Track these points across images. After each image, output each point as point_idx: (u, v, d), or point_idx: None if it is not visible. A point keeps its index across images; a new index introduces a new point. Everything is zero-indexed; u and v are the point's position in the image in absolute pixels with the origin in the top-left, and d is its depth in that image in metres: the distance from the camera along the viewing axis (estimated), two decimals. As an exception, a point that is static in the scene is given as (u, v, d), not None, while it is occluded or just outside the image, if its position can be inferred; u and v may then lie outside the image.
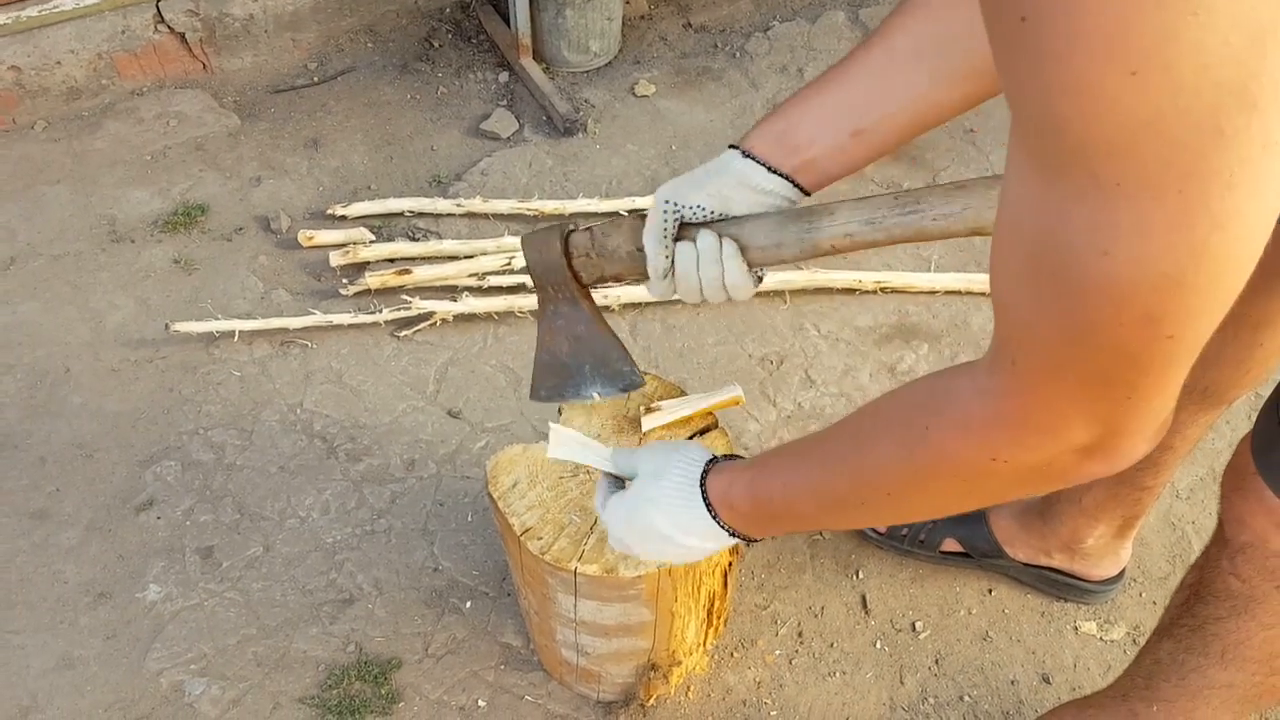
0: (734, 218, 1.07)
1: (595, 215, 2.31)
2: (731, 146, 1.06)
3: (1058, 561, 1.71)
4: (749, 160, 1.04)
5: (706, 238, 1.06)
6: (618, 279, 1.15)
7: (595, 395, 1.20)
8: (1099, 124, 0.52)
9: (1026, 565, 1.73)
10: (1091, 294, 0.59)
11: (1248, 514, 1.10)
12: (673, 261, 1.07)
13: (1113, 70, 0.50)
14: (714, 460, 1.05)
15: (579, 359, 1.19)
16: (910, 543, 1.77)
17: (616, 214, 2.30)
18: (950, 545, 1.75)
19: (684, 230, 1.07)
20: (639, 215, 1.11)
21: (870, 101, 1.02)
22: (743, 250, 1.06)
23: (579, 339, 1.18)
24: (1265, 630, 1.14)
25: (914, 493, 0.84)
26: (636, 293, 2.14)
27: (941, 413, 0.77)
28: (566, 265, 1.13)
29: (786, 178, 1.05)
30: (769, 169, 1.04)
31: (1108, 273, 0.58)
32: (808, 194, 1.07)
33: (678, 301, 2.16)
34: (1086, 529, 1.65)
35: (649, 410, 1.38)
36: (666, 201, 1.06)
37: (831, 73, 1.04)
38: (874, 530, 1.79)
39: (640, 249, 1.09)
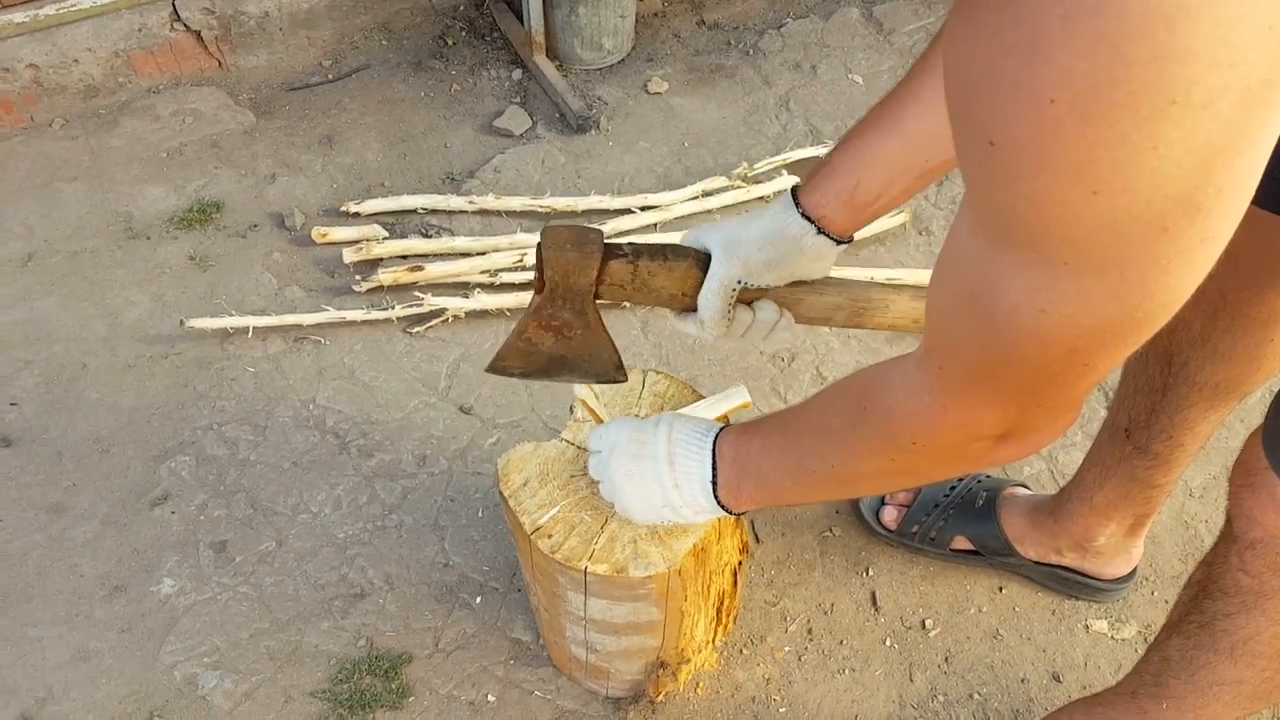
0: (792, 284, 1.11)
1: (608, 212, 2.31)
2: (798, 204, 1.07)
3: (1069, 560, 1.71)
4: (821, 237, 1.07)
5: (768, 311, 1.11)
6: (641, 302, 1.15)
7: (568, 380, 1.20)
8: (1057, 226, 0.58)
9: (1037, 563, 1.72)
10: (1023, 337, 0.66)
11: (1258, 509, 1.10)
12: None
13: (1076, 190, 0.55)
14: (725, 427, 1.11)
15: (563, 353, 1.16)
16: (920, 540, 1.77)
17: (628, 210, 2.30)
18: (960, 543, 1.75)
19: (741, 293, 1.09)
20: (686, 258, 1.10)
21: (935, 141, 1.03)
22: (794, 315, 1.11)
23: (570, 340, 1.15)
24: (1276, 626, 1.14)
25: (851, 464, 0.92)
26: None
27: (876, 399, 0.86)
28: (594, 291, 1.10)
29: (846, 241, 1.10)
30: (836, 241, 1.08)
31: (1041, 325, 0.64)
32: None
33: (689, 299, 2.16)
34: (1098, 527, 1.65)
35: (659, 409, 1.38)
36: (739, 282, 1.08)
37: (890, 109, 1.04)
38: (884, 528, 1.79)
39: (685, 294, 1.10)
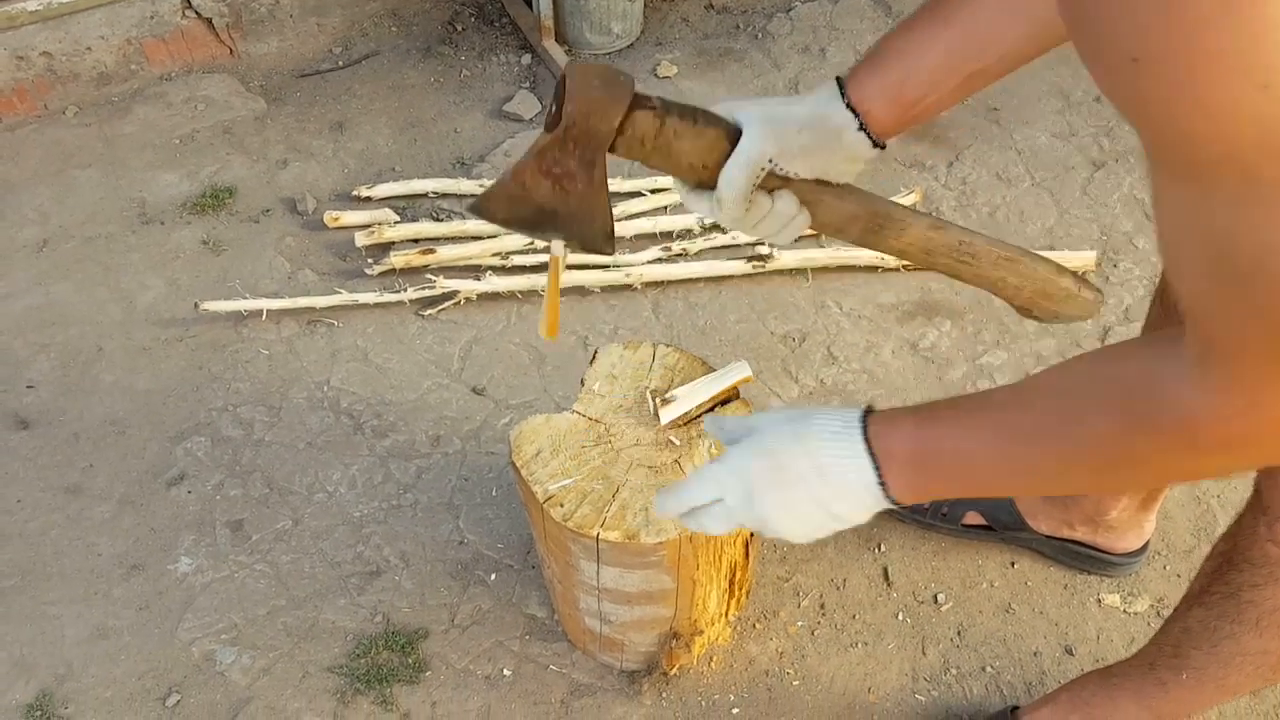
0: (817, 182, 1.02)
1: (618, 195, 2.32)
2: (843, 94, 0.98)
3: (1081, 534, 1.71)
4: (861, 134, 0.99)
5: (787, 202, 1.01)
6: (657, 166, 1.04)
7: (555, 243, 1.09)
8: (1240, 135, 0.53)
9: (1049, 538, 1.73)
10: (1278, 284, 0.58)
11: None
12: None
13: (1245, 88, 0.50)
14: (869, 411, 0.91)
15: (556, 206, 1.04)
16: (932, 516, 1.77)
17: (638, 193, 2.31)
18: (973, 518, 1.75)
19: (765, 179, 1.00)
20: (716, 125, 0.99)
21: (989, 36, 0.96)
22: (812, 216, 1.03)
23: (568, 192, 1.03)
24: None
25: (1125, 470, 0.82)
26: (659, 271, 2.15)
27: (1162, 405, 0.74)
28: (612, 137, 0.98)
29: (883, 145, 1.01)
30: (874, 142, 0.99)
31: None
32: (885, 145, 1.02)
33: (700, 279, 2.17)
34: (1110, 501, 1.65)
35: (665, 402, 1.37)
36: (770, 161, 0.99)
37: (943, 6, 0.97)
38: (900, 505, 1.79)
39: (706, 167, 1.00)
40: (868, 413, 0.90)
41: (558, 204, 1.03)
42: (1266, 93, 0.50)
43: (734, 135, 1.00)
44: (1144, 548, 1.72)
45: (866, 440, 0.88)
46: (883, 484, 0.88)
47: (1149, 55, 0.51)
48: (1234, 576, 1.18)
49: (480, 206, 1.05)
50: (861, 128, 0.99)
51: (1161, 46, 0.51)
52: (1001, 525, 1.74)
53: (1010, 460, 0.85)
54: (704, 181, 1.03)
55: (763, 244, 2.20)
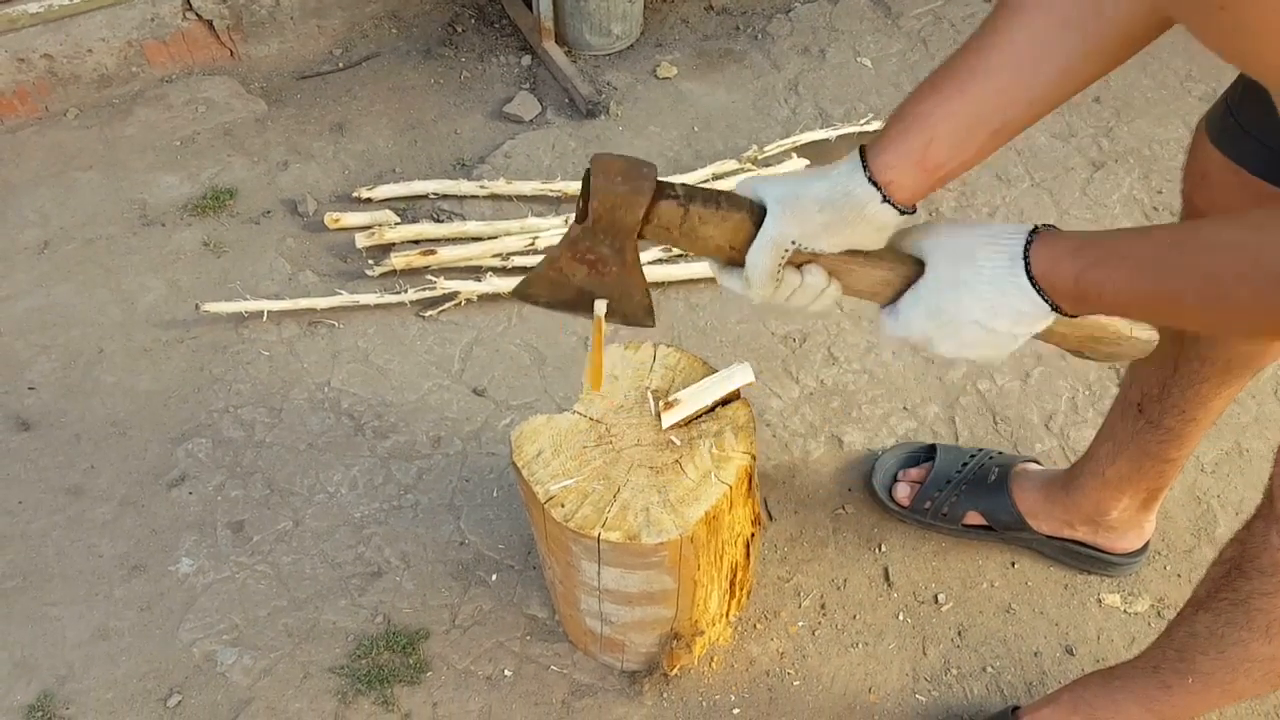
0: (845, 253, 1.04)
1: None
2: (865, 168, 0.98)
3: (1081, 534, 1.71)
4: (886, 205, 0.99)
5: (816, 276, 1.04)
6: (685, 249, 1.07)
7: (598, 303, 1.12)
8: None
9: (1050, 538, 1.73)
10: None
11: None
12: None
13: None
14: (1034, 232, 0.97)
15: (594, 289, 1.11)
16: (933, 516, 1.77)
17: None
18: (973, 518, 1.76)
19: (792, 256, 1.02)
20: (740, 209, 1.02)
21: (1014, 92, 0.96)
22: (843, 287, 1.04)
23: (604, 275, 1.09)
24: None
25: (1265, 321, 0.86)
26: (660, 272, 2.15)
27: None
28: (639, 228, 1.03)
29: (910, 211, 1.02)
30: (900, 211, 1.00)
31: None
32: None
33: (701, 279, 2.17)
34: (1110, 501, 1.65)
35: (668, 405, 1.37)
36: (793, 242, 1.01)
37: (967, 59, 0.97)
38: (896, 504, 1.80)
39: (734, 248, 1.04)
40: (1028, 246, 0.95)
41: (595, 286, 1.09)
42: None
43: (759, 215, 1.02)
44: (1144, 548, 1.73)
45: (1031, 277, 0.94)
46: (1050, 303, 0.95)
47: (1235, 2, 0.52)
48: (1243, 584, 1.18)
49: (523, 292, 1.11)
50: (885, 199, 0.99)
51: None
52: (1002, 525, 1.74)
53: (1163, 305, 0.91)
54: (733, 260, 1.05)
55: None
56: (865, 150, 1.00)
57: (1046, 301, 0.95)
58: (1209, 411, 1.46)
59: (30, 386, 2.04)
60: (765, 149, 2.39)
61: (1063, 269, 0.94)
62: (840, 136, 2.43)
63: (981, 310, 0.97)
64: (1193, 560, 1.77)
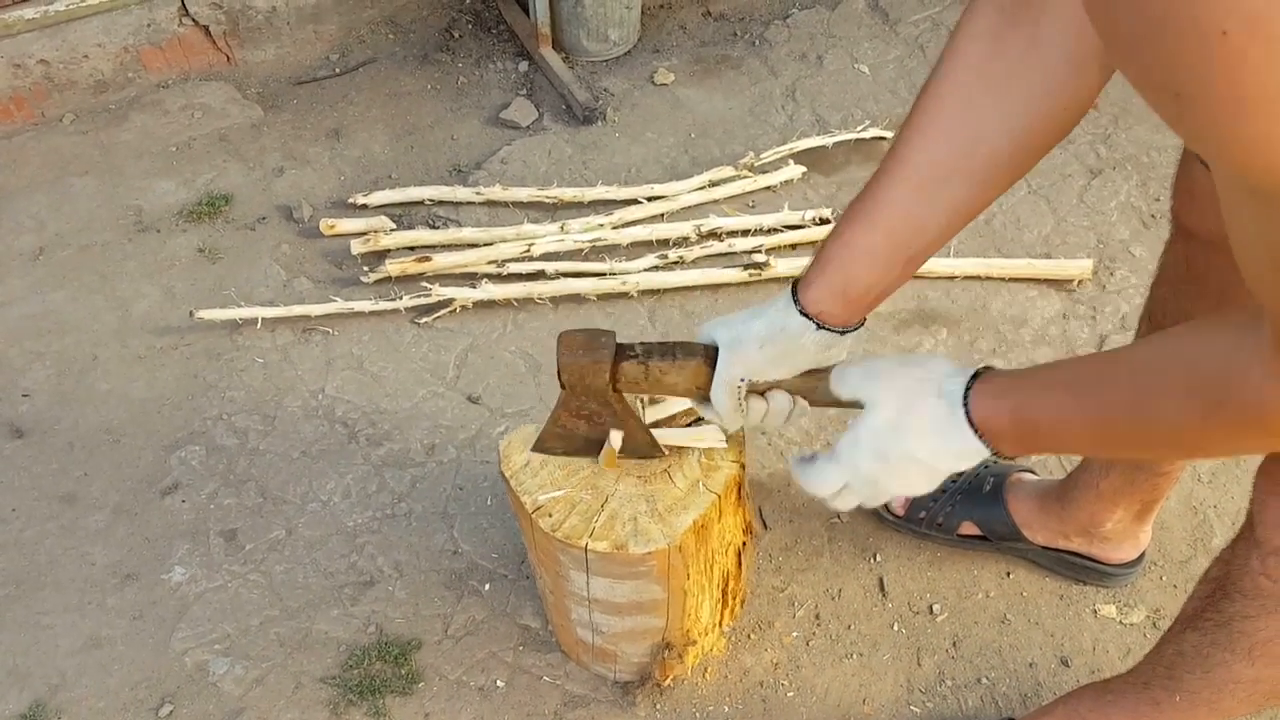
0: (803, 375, 1.13)
1: (614, 203, 2.32)
2: (797, 303, 1.08)
3: (1076, 544, 1.70)
4: (821, 332, 1.08)
5: (780, 400, 1.14)
6: (659, 394, 1.23)
7: (613, 433, 1.26)
8: None
9: (1045, 548, 1.72)
10: None
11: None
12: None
13: None
14: (974, 377, 1.03)
15: (598, 435, 1.26)
16: (928, 526, 1.76)
17: (635, 201, 2.30)
18: (968, 529, 1.75)
19: (753, 386, 1.13)
20: (694, 355, 1.14)
21: (913, 228, 1.03)
22: (810, 402, 1.14)
23: (601, 424, 1.25)
24: None
25: (1202, 447, 0.90)
26: (655, 279, 2.15)
27: (1238, 390, 0.80)
28: (610, 390, 1.17)
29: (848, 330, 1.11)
30: (839, 333, 1.09)
31: None
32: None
33: (696, 287, 2.17)
34: (1105, 513, 1.64)
35: (653, 402, 1.37)
36: (743, 381, 1.11)
37: (865, 204, 1.04)
38: (891, 514, 1.79)
39: (699, 388, 1.15)
40: (969, 389, 1.01)
41: (598, 433, 1.26)
42: None
43: (713, 356, 1.14)
44: (1140, 558, 1.72)
45: (970, 422, 1.00)
46: (990, 448, 1.01)
47: (1191, 93, 0.52)
48: (1226, 605, 1.17)
49: (541, 448, 1.31)
50: (821, 327, 1.08)
51: (1204, 85, 0.51)
52: (997, 536, 1.73)
53: (1093, 432, 0.95)
54: (704, 398, 1.17)
55: (759, 252, 2.20)
56: (797, 285, 1.09)
57: (987, 446, 1.01)
58: None
59: (24, 393, 2.04)
60: (762, 156, 2.38)
61: (1000, 411, 0.99)
62: (837, 143, 2.42)
63: (926, 453, 1.03)
64: (1189, 571, 1.76)
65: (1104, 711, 1.39)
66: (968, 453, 1.02)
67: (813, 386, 1.13)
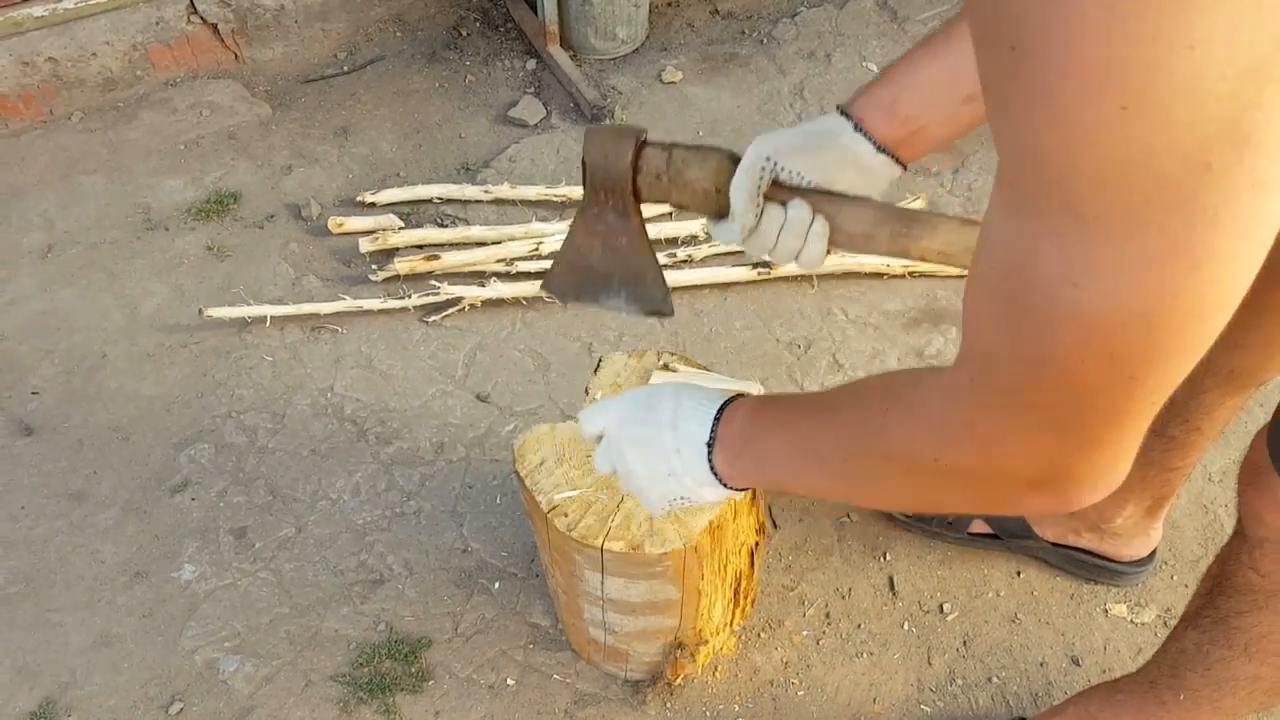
0: (829, 192, 1.03)
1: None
2: (841, 113, 1.02)
3: (1086, 541, 1.70)
4: (859, 135, 1.01)
5: (799, 209, 1.02)
6: (680, 207, 1.10)
7: (617, 307, 1.16)
8: (1084, 157, 0.50)
9: (1055, 545, 1.72)
10: (1056, 325, 0.57)
11: (1264, 509, 1.09)
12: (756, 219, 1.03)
13: (1103, 104, 0.48)
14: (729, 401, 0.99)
15: (610, 268, 1.14)
16: (939, 524, 1.76)
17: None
18: (979, 526, 1.74)
19: (775, 190, 1.02)
20: (720, 151, 1.04)
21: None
22: (831, 230, 1.03)
23: (616, 249, 1.13)
24: None
25: (863, 469, 0.82)
26: (666, 279, 2.14)
27: (902, 398, 0.76)
28: (631, 178, 1.07)
29: (891, 154, 1.02)
30: (877, 147, 1.02)
31: (1076, 305, 0.55)
32: (905, 167, 1.04)
33: (705, 286, 2.16)
34: (1115, 509, 1.64)
35: (665, 367, 1.39)
36: (767, 159, 1.01)
37: (939, 37, 1.00)
38: (901, 512, 1.79)
39: (719, 190, 1.05)
40: (740, 396, 0.98)
41: (611, 266, 1.14)
42: (1123, 115, 0.48)
43: (738, 158, 1.04)
44: (1151, 556, 1.71)
45: (718, 413, 0.96)
46: (710, 454, 0.96)
47: (1025, 46, 0.49)
48: (1222, 602, 1.18)
49: (549, 284, 1.18)
50: (858, 129, 1.01)
51: (1040, 38, 0.48)
52: (1008, 533, 1.73)
53: (790, 446, 0.90)
54: (722, 207, 1.06)
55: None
56: (847, 102, 1.04)
57: (717, 476, 0.96)
58: (1214, 421, 1.45)
59: (33, 391, 2.03)
60: (770, 154, 2.37)
61: (739, 414, 0.96)
62: (846, 142, 2.42)
63: (671, 417, 0.99)
64: (1200, 570, 1.75)
65: (1114, 711, 1.39)
66: (695, 443, 0.97)
67: (837, 208, 1.03)
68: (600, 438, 1.08)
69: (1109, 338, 0.56)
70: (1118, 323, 0.55)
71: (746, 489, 1.02)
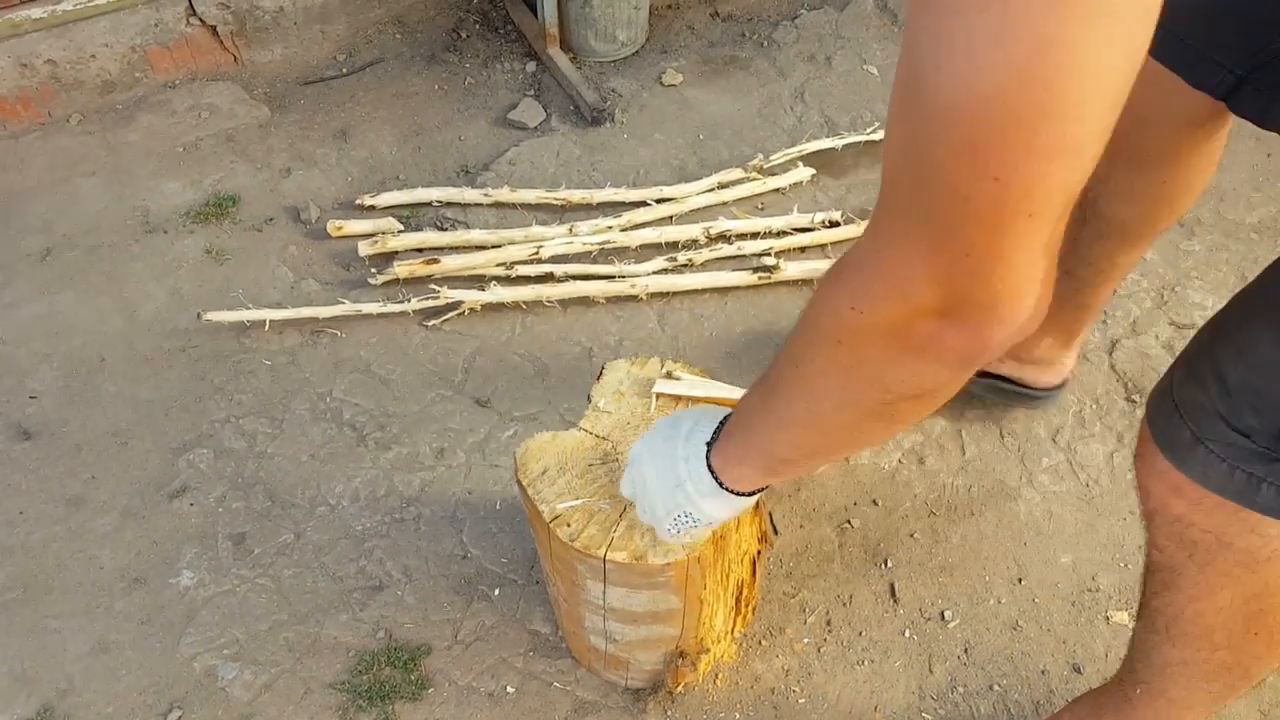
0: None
1: (623, 205, 2.31)
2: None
3: (1007, 369, 1.86)
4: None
5: None
6: None
7: None
8: None
9: (979, 376, 1.81)
10: (926, 116, 0.59)
11: (1148, 480, 1.09)
12: None
13: None
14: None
15: None
16: None
17: (644, 203, 2.30)
18: None
19: None
20: None
21: None
22: None
23: None
24: (1193, 603, 1.12)
25: (806, 380, 0.85)
26: (665, 282, 2.14)
27: (829, 281, 0.78)
28: None
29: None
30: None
31: (938, 89, 0.57)
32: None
33: (706, 290, 2.16)
34: (1035, 339, 1.79)
35: (669, 375, 1.38)
36: None
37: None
38: None
39: None
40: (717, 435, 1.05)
41: None
42: None
43: None
44: (1062, 384, 1.89)
45: (708, 459, 1.05)
46: (709, 454, 1.04)
47: None
48: (1144, 587, 1.20)
49: None
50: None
51: None
52: None
53: (760, 409, 0.95)
54: None
55: (769, 255, 2.19)
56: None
57: (715, 476, 1.05)
58: (1116, 266, 1.61)
59: (31, 395, 2.03)
60: (771, 158, 2.37)
61: (721, 445, 1.04)
62: (846, 145, 2.41)
63: (683, 432, 1.09)
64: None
65: (1097, 714, 1.40)
66: (699, 456, 1.06)
67: None
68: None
69: (967, 127, 0.57)
70: (970, 108, 0.56)
71: (744, 493, 1.04)
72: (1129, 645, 1.31)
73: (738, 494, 1.05)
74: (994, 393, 1.90)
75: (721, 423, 1.06)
